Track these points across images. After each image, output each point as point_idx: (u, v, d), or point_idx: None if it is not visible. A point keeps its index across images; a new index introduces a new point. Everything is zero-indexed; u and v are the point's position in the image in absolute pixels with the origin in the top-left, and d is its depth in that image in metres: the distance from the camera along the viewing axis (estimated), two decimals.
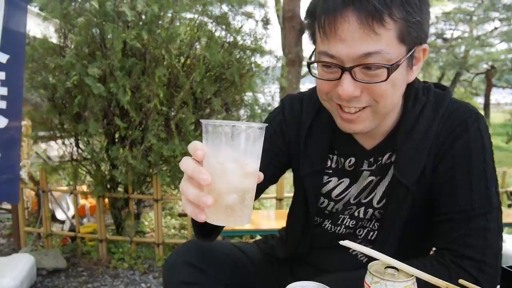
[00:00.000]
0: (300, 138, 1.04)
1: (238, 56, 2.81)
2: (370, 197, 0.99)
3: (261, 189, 1.02)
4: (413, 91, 0.93)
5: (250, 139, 0.64)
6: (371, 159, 0.97)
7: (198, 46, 2.73)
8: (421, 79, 0.99)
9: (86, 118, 2.71)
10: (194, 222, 0.89)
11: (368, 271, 0.65)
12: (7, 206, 4.02)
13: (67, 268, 2.79)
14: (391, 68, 0.77)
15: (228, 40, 2.87)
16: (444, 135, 0.90)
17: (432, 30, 15.84)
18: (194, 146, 0.67)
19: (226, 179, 0.65)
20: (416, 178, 0.91)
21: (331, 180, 1.03)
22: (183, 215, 3.88)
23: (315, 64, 0.87)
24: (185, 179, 0.69)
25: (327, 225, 1.07)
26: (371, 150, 0.97)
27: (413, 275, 0.64)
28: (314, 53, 0.89)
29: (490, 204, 0.85)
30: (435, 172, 0.91)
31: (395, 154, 0.94)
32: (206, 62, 2.66)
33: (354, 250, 1.01)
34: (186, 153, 0.68)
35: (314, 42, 0.88)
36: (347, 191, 1.02)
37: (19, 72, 2.02)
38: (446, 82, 17.49)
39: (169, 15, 2.68)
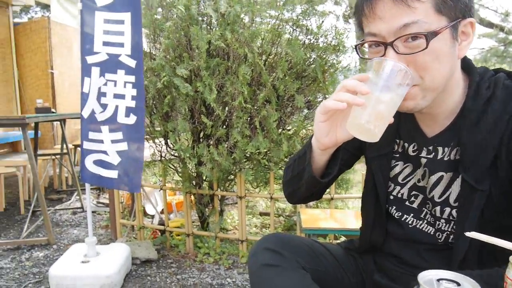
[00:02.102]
0: None
1: (319, 52, 2.76)
2: (446, 195, 0.95)
3: (339, 170, 1.08)
4: (476, 76, 0.90)
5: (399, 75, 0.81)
6: (430, 147, 0.96)
7: (280, 44, 2.72)
8: None
9: (173, 117, 2.85)
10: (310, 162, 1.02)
11: (510, 264, 0.58)
12: (105, 200, 4.39)
13: (157, 259, 2.96)
14: (429, 35, 0.79)
15: (308, 36, 2.83)
16: None
17: None
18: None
19: (378, 98, 0.81)
20: (485, 176, 0.86)
21: (397, 164, 1.05)
22: (264, 214, 3.92)
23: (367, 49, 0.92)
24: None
25: (401, 215, 1.06)
26: (432, 138, 0.96)
27: None
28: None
29: None
30: None
31: (459, 148, 0.90)
32: (288, 59, 2.64)
33: (431, 243, 1.00)
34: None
35: (363, 32, 0.92)
36: (411, 177, 1.03)
37: (141, 75, 2.24)
38: None
39: (250, 14, 2.72)
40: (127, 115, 2.27)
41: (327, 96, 2.87)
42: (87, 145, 2.38)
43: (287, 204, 3.92)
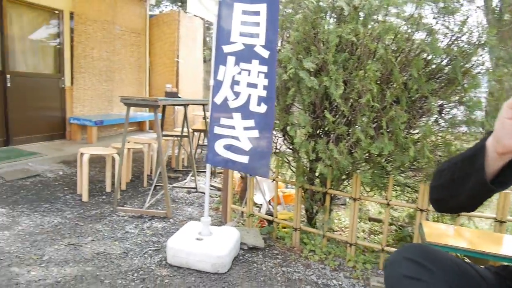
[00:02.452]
0: None
1: (461, 51, 2.50)
2: None
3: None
4: None
5: None
6: None
7: (416, 40, 2.52)
8: None
9: (294, 110, 2.84)
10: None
11: None
12: (215, 184, 4.61)
13: (264, 248, 3.01)
14: None
15: (449, 33, 2.58)
16: None
17: None
18: None
19: None
20: None
21: None
22: (374, 219, 3.73)
23: None
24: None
25: None
26: None
27: None
28: None
29: None
30: None
31: None
32: (424, 57, 2.44)
33: None
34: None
35: None
36: None
37: (274, 65, 2.29)
38: None
39: (385, 7, 2.57)
40: (258, 104, 2.34)
41: (463, 100, 2.59)
42: (218, 130, 2.50)
43: (401, 212, 3.68)
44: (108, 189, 4.24)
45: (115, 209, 3.58)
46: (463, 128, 2.58)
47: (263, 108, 2.33)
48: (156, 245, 2.97)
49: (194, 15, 8.69)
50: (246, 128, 2.41)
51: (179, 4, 14.56)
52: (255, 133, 2.38)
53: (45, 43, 6.19)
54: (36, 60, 6.04)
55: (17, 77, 5.65)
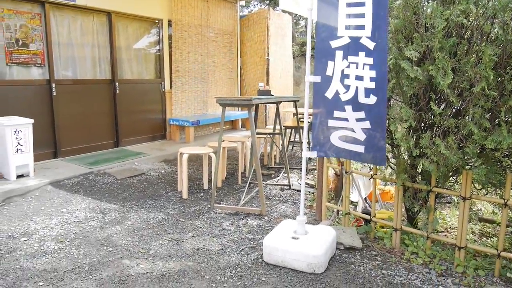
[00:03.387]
0: None
1: None
2: None
3: None
4: None
5: None
6: None
7: None
8: None
9: (393, 103, 2.66)
10: None
11: None
12: (308, 181, 4.55)
13: (361, 249, 2.88)
14: None
15: None
16: None
17: None
18: None
19: None
20: None
21: None
22: (485, 220, 3.36)
23: None
24: None
25: None
26: None
27: None
28: None
29: None
30: None
31: None
32: None
33: None
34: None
35: None
36: None
37: (383, 55, 2.24)
38: None
39: None
40: (367, 96, 2.32)
41: None
42: (332, 123, 2.54)
43: None
44: (206, 186, 4.43)
45: (213, 206, 3.72)
46: None
47: (372, 100, 2.31)
48: (252, 242, 3.01)
49: (282, 11, 8.71)
50: (358, 120, 2.42)
51: (267, 2, 14.73)
52: (366, 124, 2.38)
53: (146, 51, 6.71)
54: (139, 67, 6.57)
55: (124, 84, 6.21)
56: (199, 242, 3.00)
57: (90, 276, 2.46)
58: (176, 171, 4.54)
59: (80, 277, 2.46)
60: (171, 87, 7.00)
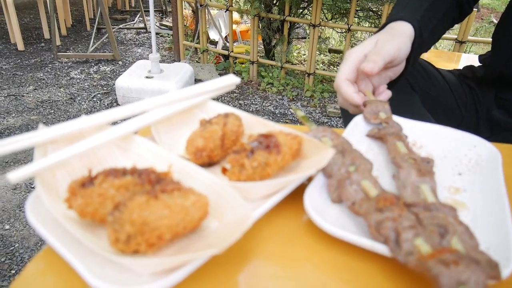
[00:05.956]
0: None
1: None
2: None
3: None
4: None
5: None
6: None
7: None
8: None
9: None
10: None
11: None
12: (167, 23, 4.23)
13: None
14: None
15: None
16: None
17: None
18: None
19: None
20: None
21: None
22: (334, 51, 3.61)
23: None
24: None
25: None
26: None
27: None
28: None
29: None
30: None
31: None
32: None
33: None
34: None
35: None
36: None
37: None
38: None
39: None
40: None
41: None
42: None
43: (363, 40, 3.55)
44: (47, 35, 3.80)
45: (56, 55, 3.25)
46: None
47: None
48: (105, 88, 2.79)
49: None
50: None
51: None
52: None
53: None
54: None
55: None
56: (43, 94, 2.67)
57: None
58: (4, 20, 3.74)
59: None
60: None
